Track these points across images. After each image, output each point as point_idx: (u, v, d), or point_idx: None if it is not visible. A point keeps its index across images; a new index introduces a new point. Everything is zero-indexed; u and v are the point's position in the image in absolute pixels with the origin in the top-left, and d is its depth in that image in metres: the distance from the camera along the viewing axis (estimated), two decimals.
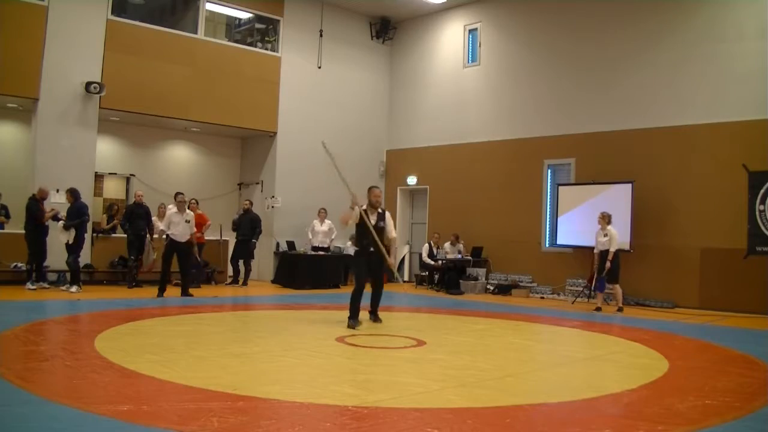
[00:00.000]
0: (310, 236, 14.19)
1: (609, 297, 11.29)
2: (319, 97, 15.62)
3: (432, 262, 14.36)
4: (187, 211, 10.84)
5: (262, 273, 14.80)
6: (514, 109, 14.54)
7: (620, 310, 10.67)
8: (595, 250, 10.91)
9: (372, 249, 7.85)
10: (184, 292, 10.72)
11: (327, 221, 14.20)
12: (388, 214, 8.20)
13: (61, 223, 10.72)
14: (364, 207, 7.92)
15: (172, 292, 10.92)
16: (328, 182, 15.52)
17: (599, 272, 10.75)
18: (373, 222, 7.86)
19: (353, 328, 7.58)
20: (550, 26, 13.98)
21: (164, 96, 13.16)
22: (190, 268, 11.06)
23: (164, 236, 10.64)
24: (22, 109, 12.61)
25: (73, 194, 10.89)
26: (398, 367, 5.53)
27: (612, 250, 10.56)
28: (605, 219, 10.80)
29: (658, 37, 12.20)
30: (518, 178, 14.21)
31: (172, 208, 11.19)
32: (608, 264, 10.52)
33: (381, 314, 8.30)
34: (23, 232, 10.73)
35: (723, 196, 11.16)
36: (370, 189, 8.12)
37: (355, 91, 16.43)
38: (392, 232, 8.23)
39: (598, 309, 10.83)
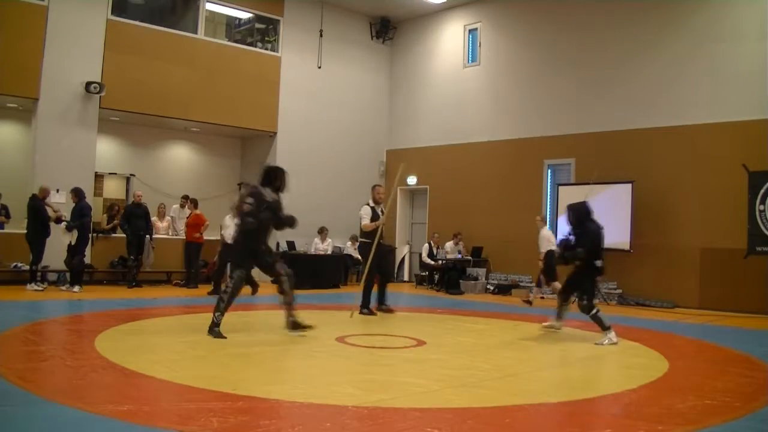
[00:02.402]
0: (313, 251, 14.34)
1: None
2: (319, 97, 15.62)
3: (432, 262, 14.36)
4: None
5: (262, 273, 14.75)
6: (514, 109, 14.53)
7: (529, 302, 11.42)
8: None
9: (381, 241, 8.78)
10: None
11: (328, 239, 14.42)
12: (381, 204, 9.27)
13: (63, 224, 10.69)
14: (372, 204, 8.96)
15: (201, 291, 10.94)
16: (328, 182, 15.63)
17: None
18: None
19: (368, 314, 8.66)
20: (550, 26, 13.98)
21: (164, 96, 13.16)
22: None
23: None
24: (22, 109, 12.61)
25: (77, 194, 10.83)
26: (398, 367, 5.52)
27: (542, 250, 10.95)
28: (542, 221, 11.41)
29: (658, 37, 12.20)
30: (518, 178, 14.20)
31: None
32: (540, 263, 11.01)
33: (381, 315, 8.54)
34: (24, 232, 10.71)
35: (723, 196, 11.15)
36: (373, 187, 9.22)
37: (355, 91, 16.43)
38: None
39: (528, 302, 11.50)
